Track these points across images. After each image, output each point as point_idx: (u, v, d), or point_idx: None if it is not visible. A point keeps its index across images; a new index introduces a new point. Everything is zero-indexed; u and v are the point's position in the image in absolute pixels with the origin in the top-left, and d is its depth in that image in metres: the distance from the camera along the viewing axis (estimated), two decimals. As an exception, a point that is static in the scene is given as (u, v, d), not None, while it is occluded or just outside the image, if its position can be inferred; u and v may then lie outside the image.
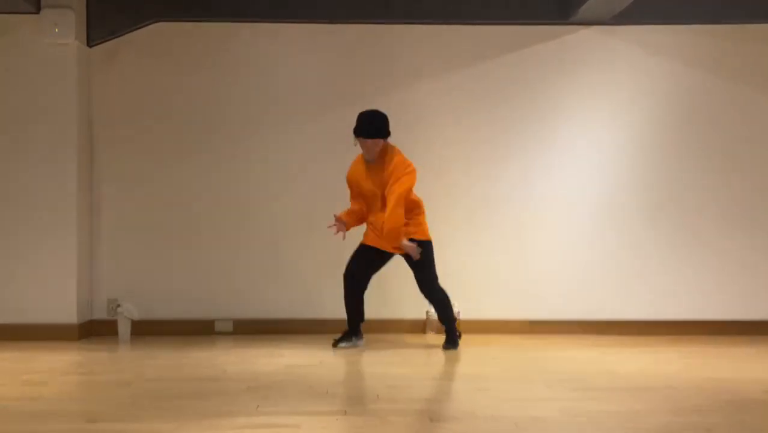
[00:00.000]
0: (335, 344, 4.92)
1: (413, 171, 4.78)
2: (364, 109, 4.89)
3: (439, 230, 5.56)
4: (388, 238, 4.73)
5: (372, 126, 4.80)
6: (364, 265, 4.95)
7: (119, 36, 5.56)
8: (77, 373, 4.26)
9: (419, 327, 5.59)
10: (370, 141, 4.79)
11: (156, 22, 5.58)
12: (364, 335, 5.05)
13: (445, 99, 5.64)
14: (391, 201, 4.70)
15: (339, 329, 5.38)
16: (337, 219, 4.95)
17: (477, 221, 5.63)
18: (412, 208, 4.85)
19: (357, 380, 3.91)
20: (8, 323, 5.25)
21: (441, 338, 5.43)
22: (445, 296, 4.98)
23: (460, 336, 5.01)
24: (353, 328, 5.00)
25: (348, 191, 5.01)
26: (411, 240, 4.79)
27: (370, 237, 4.92)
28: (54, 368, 4.27)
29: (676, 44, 5.68)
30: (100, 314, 5.53)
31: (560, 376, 4.03)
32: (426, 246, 4.87)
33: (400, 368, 4.22)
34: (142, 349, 4.94)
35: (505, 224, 5.63)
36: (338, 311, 5.22)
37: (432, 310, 5.52)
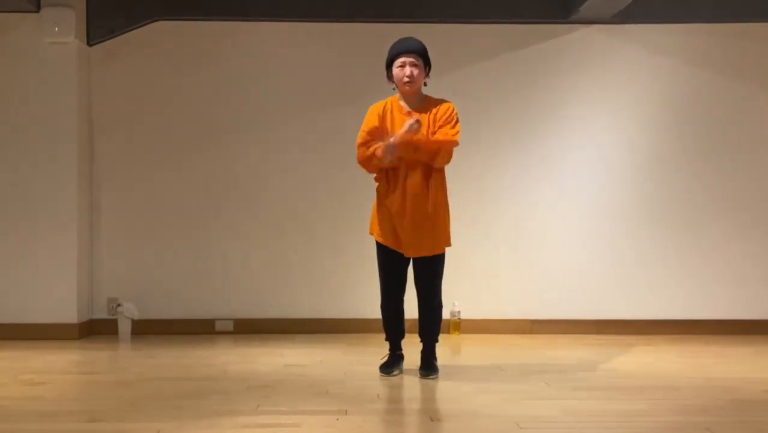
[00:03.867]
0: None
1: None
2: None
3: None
4: (429, 149, 3.80)
5: (416, 43, 3.95)
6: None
7: (119, 35, 5.55)
8: (77, 372, 4.26)
9: (419, 326, 5.57)
10: (418, 69, 3.88)
11: (156, 20, 5.57)
12: (364, 335, 5.00)
13: (444, 98, 5.63)
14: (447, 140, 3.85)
15: (338, 328, 5.40)
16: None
17: (477, 220, 5.62)
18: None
19: (357, 380, 3.90)
20: (8, 323, 5.25)
21: (441, 338, 5.42)
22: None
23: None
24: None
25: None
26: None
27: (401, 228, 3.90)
28: (54, 367, 4.27)
29: (677, 43, 5.67)
30: (101, 313, 5.52)
31: (561, 375, 4.03)
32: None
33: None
34: (142, 348, 4.94)
35: (505, 223, 5.63)
36: (338, 310, 5.23)
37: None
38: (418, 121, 3.81)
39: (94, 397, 3.57)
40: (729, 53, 5.68)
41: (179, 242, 5.57)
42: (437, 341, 4.12)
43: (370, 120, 3.98)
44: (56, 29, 5.24)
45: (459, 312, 5.52)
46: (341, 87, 5.63)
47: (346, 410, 3.21)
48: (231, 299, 5.56)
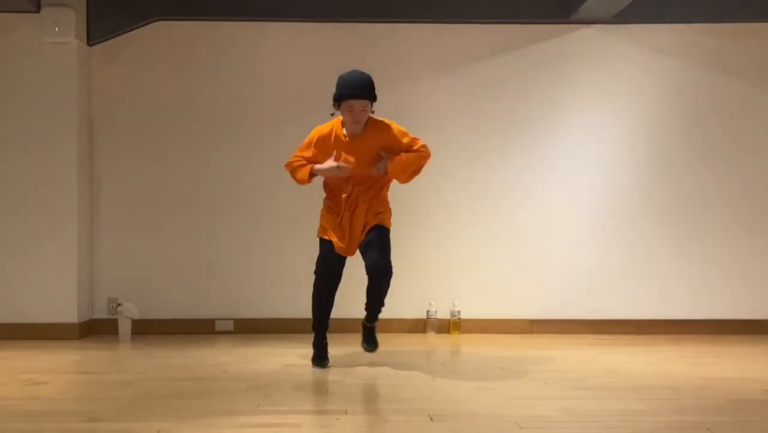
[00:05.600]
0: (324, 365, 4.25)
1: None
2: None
3: (439, 229, 5.57)
4: (406, 166, 4.08)
5: (366, 86, 4.07)
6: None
7: (119, 35, 5.56)
8: (77, 372, 4.26)
9: (419, 327, 5.58)
10: (360, 104, 4.04)
11: (156, 21, 5.58)
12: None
13: (445, 98, 5.64)
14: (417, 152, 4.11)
15: (338, 328, 5.38)
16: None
17: (477, 220, 5.62)
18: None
19: (357, 380, 3.90)
20: (8, 323, 5.26)
21: (441, 338, 5.44)
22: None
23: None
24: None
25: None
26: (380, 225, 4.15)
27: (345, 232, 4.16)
28: (54, 367, 4.27)
29: (676, 43, 5.68)
30: (101, 313, 5.53)
31: (561, 375, 4.03)
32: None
33: (400, 368, 4.21)
34: (142, 348, 4.94)
35: (506, 222, 5.63)
36: (337, 310, 5.22)
37: (432, 308, 5.53)
38: (339, 167, 4.08)
39: (94, 397, 3.57)
40: (729, 53, 5.68)
41: (179, 242, 5.58)
42: (380, 307, 4.33)
43: (310, 144, 4.23)
44: (56, 29, 5.24)
45: (459, 312, 5.52)
46: (341, 87, 5.62)
47: (346, 410, 3.21)
48: (231, 299, 5.56)
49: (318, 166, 4.17)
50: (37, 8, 5.26)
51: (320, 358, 4.26)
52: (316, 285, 4.24)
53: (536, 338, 5.43)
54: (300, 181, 4.30)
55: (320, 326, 4.31)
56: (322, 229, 4.28)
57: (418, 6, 5.64)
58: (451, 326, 5.52)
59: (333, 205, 4.26)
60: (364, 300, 4.31)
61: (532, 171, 5.65)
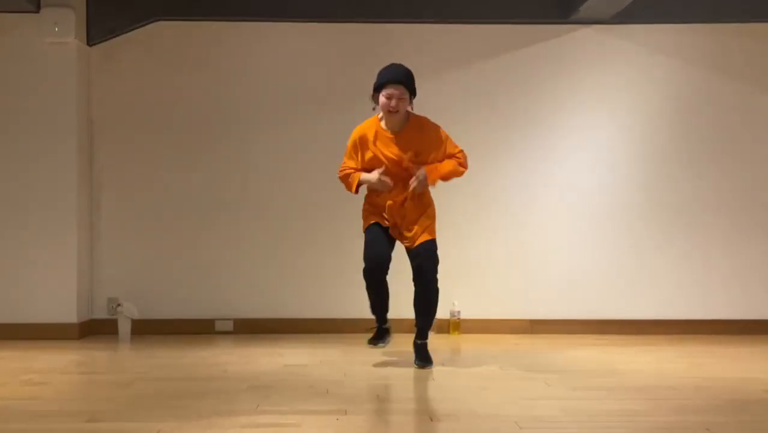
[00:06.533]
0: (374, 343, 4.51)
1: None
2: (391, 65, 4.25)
3: (439, 229, 5.56)
4: (440, 174, 4.15)
5: (405, 75, 4.12)
6: (388, 248, 4.27)
7: (119, 35, 5.56)
8: (77, 372, 4.26)
9: (419, 326, 5.57)
10: (398, 91, 4.05)
11: (156, 21, 5.58)
12: (364, 336, 5.00)
13: (444, 98, 5.63)
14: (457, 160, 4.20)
15: (338, 328, 5.40)
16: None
17: (477, 220, 5.62)
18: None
19: (357, 380, 3.90)
20: (8, 323, 5.26)
21: (441, 338, 5.44)
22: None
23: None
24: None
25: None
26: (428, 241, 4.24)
27: (390, 220, 4.23)
28: (54, 367, 4.27)
29: (677, 43, 5.68)
30: (101, 313, 5.53)
31: (561, 375, 4.03)
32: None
33: (400, 368, 4.21)
34: (142, 348, 4.94)
35: (506, 223, 5.63)
36: (338, 310, 5.23)
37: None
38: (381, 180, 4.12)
39: (94, 397, 3.57)
40: (729, 53, 5.68)
41: (179, 242, 5.58)
42: (431, 321, 4.36)
43: (353, 148, 4.25)
44: (56, 29, 5.24)
45: (459, 312, 5.52)
46: (341, 87, 5.63)
47: (346, 410, 3.21)
48: (231, 299, 5.56)
49: (364, 177, 4.18)
50: (37, 8, 5.26)
51: (375, 338, 4.48)
52: (364, 272, 4.20)
53: (536, 338, 5.43)
54: (349, 190, 4.29)
55: (375, 312, 4.42)
56: (365, 222, 4.27)
57: (417, 6, 5.64)
58: (450, 326, 5.52)
59: (375, 210, 4.26)
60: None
61: (532, 171, 5.65)
